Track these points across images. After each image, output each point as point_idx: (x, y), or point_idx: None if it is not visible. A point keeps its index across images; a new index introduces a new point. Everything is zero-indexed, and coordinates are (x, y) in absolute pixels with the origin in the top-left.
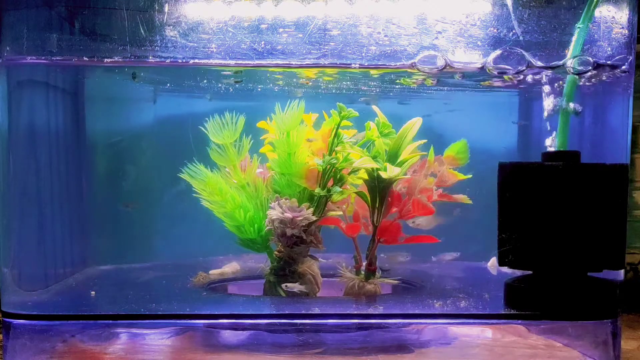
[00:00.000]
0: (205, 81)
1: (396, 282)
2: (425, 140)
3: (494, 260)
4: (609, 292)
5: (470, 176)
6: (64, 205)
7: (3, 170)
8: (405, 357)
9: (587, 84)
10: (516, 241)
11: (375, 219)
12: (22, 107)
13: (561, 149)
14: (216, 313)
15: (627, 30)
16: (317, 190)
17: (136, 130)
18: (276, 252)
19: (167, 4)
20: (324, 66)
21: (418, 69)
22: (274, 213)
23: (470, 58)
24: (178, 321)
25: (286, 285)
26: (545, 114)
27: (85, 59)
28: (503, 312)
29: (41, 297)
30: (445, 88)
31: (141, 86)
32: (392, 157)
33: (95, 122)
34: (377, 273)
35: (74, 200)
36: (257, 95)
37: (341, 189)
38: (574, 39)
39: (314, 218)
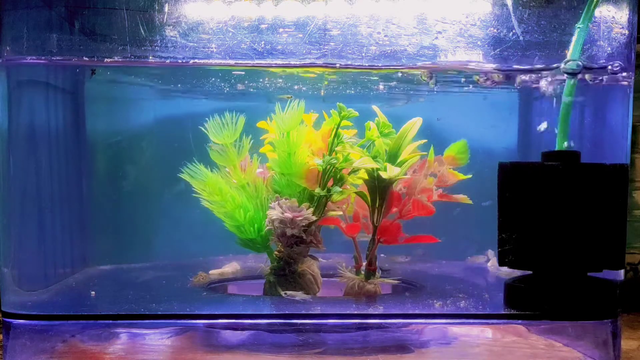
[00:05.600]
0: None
1: (396, 282)
2: (425, 140)
3: (494, 260)
4: (609, 292)
5: (470, 176)
6: (64, 205)
7: (3, 170)
8: (405, 357)
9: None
10: (516, 241)
11: (375, 219)
12: (22, 107)
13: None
14: (216, 313)
15: (627, 30)
16: (317, 190)
17: (136, 130)
18: (276, 252)
19: (167, 4)
20: (324, 66)
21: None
22: (274, 213)
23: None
24: (178, 321)
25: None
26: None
27: (85, 59)
28: (503, 312)
29: (41, 297)
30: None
31: (141, 86)
32: (392, 157)
33: (95, 122)
34: (377, 273)
35: (74, 200)
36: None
37: (341, 189)
38: (573, 39)
39: (314, 218)
